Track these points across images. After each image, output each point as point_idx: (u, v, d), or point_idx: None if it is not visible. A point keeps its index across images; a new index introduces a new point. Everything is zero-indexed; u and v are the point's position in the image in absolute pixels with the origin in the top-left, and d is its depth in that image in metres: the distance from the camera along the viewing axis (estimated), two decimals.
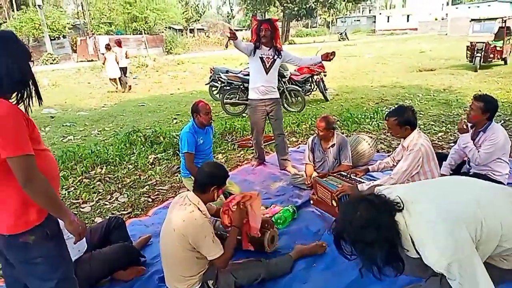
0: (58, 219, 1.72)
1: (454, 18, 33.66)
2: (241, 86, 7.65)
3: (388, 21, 50.48)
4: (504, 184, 2.95)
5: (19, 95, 1.60)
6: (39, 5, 22.50)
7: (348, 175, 3.39)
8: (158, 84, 13.77)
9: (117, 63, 11.56)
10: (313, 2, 34.35)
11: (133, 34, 26.57)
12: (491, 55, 11.96)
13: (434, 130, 5.80)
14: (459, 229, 1.46)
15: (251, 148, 5.34)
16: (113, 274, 2.54)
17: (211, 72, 8.96)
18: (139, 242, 2.98)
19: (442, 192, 1.65)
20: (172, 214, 2.31)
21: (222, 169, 2.45)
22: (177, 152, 5.12)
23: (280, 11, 38.04)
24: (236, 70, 8.64)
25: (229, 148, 5.44)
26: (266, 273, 2.40)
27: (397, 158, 3.19)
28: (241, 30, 52.88)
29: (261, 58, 4.12)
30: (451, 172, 3.38)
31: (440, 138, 5.40)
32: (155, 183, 4.36)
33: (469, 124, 3.21)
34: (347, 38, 34.91)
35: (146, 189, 4.19)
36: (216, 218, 2.89)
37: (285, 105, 7.59)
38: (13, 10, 26.15)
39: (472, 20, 13.54)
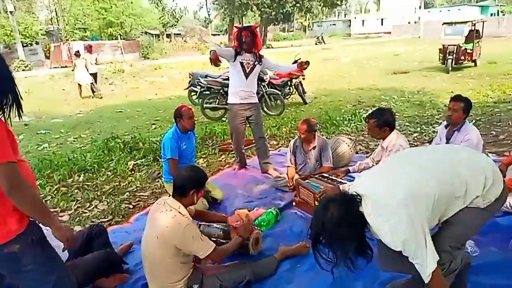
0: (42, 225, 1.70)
1: (426, 22, 34.71)
2: (221, 91, 7.66)
3: (363, 25, 51.58)
4: None
5: None
6: (11, 12, 21.87)
7: (330, 177, 3.44)
8: (135, 89, 13.61)
9: (87, 69, 11.56)
10: (290, 7, 34.66)
11: (109, 40, 26.17)
12: (462, 57, 12.39)
13: (410, 131, 5.96)
14: (407, 211, 1.63)
15: (232, 152, 5.35)
16: (95, 282, 2.49)
17: (190, 77, 8.93)
18: (121, 249, 2.94)
19: (391, 178, 1.80)
20: (153, 221, 2.30)
21: (200, 172, 2.46)
22: (158, 157, 5.09)
23: (258, 16, 38.27)
24: (216, 74, 8.64)
25: (210, 153, 5.44)
26: (251, 275, 2.41)
27: (376, 159, 3.27)
28: (218, 34, 52.96)
29: (241, 63, 4.16)
30: None
31: (415, 138, 5.55)
32: (135, 189, 4.30)
33: (444, 123, 3.32)
34: (324, 42, 35.40)
35: (126, 195, 4.13)
36: (200, 222, 2.89)
37: (265, 108, 7.64)
38: None
39: (444, 23, 13.96)
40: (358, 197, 1.77)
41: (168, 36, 41.08)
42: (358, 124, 6.32)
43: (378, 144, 3.30)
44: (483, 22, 13.89)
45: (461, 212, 1.76)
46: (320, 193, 3.08)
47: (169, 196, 2.45)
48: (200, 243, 2.20)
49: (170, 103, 10.18)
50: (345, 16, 65.16)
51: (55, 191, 4.24)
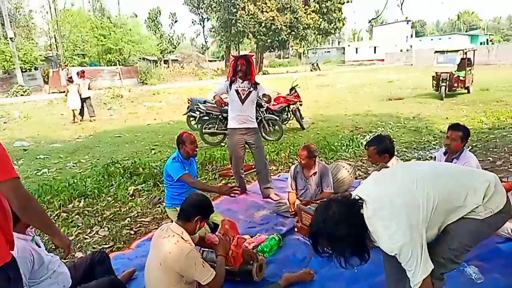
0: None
1: (418, 50, 35.64)
2: (220, 116, 7.75)
3: (356, 53, 52.85)
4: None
5: None
6: (11, 38, 22.20)
7: None
8: (134, 114, 13.69)
9: (80, 94, 11.89)
10: (285, 35, 35.53)
11: (108, 66, 26.50)
12: (455, 85, 12.70)
13: (407, 156, 6.04)
14: (407, 218, 1.68)
15: (232, 178, 5.37)
16: None
17: (188, 103, 9.04)
18: (124, 276, 2.91)
19: (393, 185, 1.84)
20: (156, 247, 2.31)
21: (208, 203, 2.51)
22: (158, 183, 5.09)
23: (254, 43, 39.07)
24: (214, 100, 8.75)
25: (210, 178, 5.46)
26: None
27: None
28: (215, 61, 53.82)
29: (237, 91, 4.33)
30: None
31: None
32: (136, 215, 4.29)
33: (442, 149, 3.39)
34: (319, 68, 36.15)
35: (127, 221, 4.12)
36: (203, 248, 2.89)
37: (263, 134, 7.72)
38: None
39: (436, 51, 14.40)
40: (360, 200, 1.80)
41: (166, 62, 41.73)
42: (356, 150, 6.40)
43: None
44: (474, 50, 14.32)
45: (459, 222, 1.78)
46: None
47: (171, 222, 2.47)
48: (201, 270, 2.20)
49: (169, 128, 10.25)
50: (339, 44, 66.73)
51: (56, 217, 4.21)
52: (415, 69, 27.75)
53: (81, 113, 12.44)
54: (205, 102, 8.47)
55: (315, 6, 35.40)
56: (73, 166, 6.78)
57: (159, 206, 4.44)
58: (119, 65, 25.68)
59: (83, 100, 12.20)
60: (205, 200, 2.48)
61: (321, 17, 36.49)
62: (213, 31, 44.05)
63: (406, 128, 8.23)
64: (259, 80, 4.60)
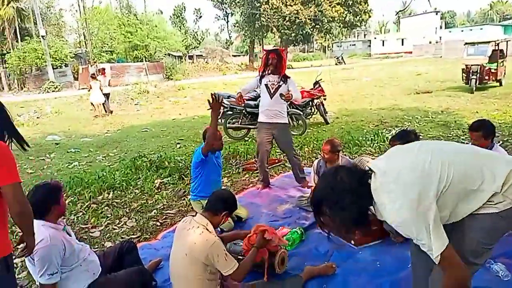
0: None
1: (448, 41, 34.47)
2: (243, 111, 7.81)
3: (383, 45, 51.64)
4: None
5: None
6: (42, 36, 23.05)
7: None
8: (159, 109, 13.96)
9: (101, 90, 12.65)
10: (309, 28, 35.19)
11: (134, 62, 27.08)
12: (486, 77, 12.26)
13: None
14: (412, 193, 1.58)
15: (256, 172, 5.43)
16: None
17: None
18: (150, 266, 3.01)
19: (406, 159, 1.74)
20: (181, 239, 2.37)
21: (235, 200, 2.61)
22: (183, 176, 5.21)
23: (278, 37, 38.92)
24: None
25: (234, 172, 5.52)
26: None
27: None
28: (239, 55, 53.97)
29: (266, 85, 4.39)
30: None
31: None
32: (162, 207, 4.41)
33: None
34: (344, 62, 35.61)
35: (154, 213, 4.24)
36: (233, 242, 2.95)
37: None
38: (17, 41, 26.69)
39: (467, 43, 13.95)
40: (370, 171, 1.75)
41: (191, 57, 42.23)
42: (381, 144, 6.31)
43: None
44: (507, 41, 13.75)
45: (472, 220, 1.66)
46: None
47: (195, 215, 2.54)
48: (224, 261, 2.25)
49: (194, 123, 10.41)
50: (364, 37, 65.44)
51: (86, 208, 4.39)
52: (445, 62, 26.88)
53: (104, 107, 13.16)
54: (229, 97, 8.53)
55: None
56: (103, 159, 7.01)
57: (184, 199, 4.54)
58: (145, 61, 26.18)
59: (106, 96, 12.92)
60: (233, 197, 2.58)
61: (347, 9, 35.89)
62: (237, 26, 44.14)
63: (434, 123, 8.02)
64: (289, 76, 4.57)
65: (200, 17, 54.83)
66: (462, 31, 47.78)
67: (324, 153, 3.81)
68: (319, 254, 3.04)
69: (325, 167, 3.92)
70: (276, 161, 5.79)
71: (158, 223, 3.99)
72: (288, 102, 4.54)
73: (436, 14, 51.13)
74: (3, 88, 26.89)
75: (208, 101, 3.53)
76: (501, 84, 12.81)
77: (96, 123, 11.67)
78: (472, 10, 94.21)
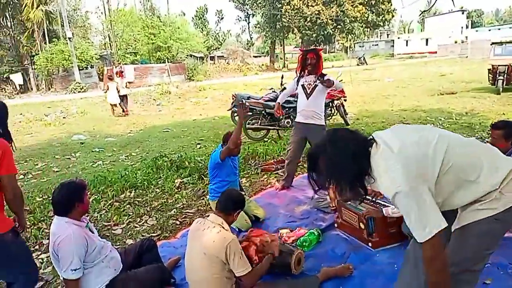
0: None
1: (474, 41, 33.52)
2: (263, 112, 7.84)
3: (407, 45, 50.64)
4: None
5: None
6: (69, 38, 23.77)
7: (373, 199, 3.44)
8: (181, 110, 14.16)
9: (119, 91, 12.99)
10: (331, 29, 34.92)
11: (157, 63, 27.56)
12: None
13: None
14: (410, 166, 1.57)
15: (274, 172, 5.46)
16: None
17: (233, 98, 9.21)
18: (169, 264, 3.08)
19: (411, 134, 1.73)
20: (197, 240, 2.41)
21: (244, 199, 2.71)
22: (203, 176, 5.29)
23: (299, 38, 38.79)
24: (258, 96, 8.86)
25: (253, 172, 5.56)
26: None
27: None
28: (260, 56, 54.05)
29: (303, 86, 4.39)
30: None
31: None
32: (182, 206, 4.49)
33: None
34: (366, 62, 35.15)
35: (173, 212, 4.33)
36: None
37: None
38: (45, 43, 27.60)
39: (493, 43, 13.50)
40: (372, 140, 1.74)
41: (212, 58, 42.60)
42: None
43: None
44: None
45: (469, 227, 1.64)
46: (363, 215, 3.09)
47: (208, 215, 2.61)
48: (239, 261, 2.29)
49: (214, 123, 10.52)
50: (387, 37, 64.36)
51: (109, 206, 4.53)
52: (471, 62, 26.17)
53: (122, 108, 13.53)
54: (249, 98, 8.58)
55: None
56: (125, 159, 7.18)
57: (203, 199, 4.61)
58: (168, 62, 26.59)
59: (122, 97, 13.25)
60: (242, 196, 2.67)
61: (369, 9, 35.46)
62: (258, 27, 44.28)
63: (458, 124, 7.84)
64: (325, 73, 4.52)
65: (222, 18, 55.35)
66: (489, 30, 46.32)
67: None
68: (336, 256, 3.04)
69: None
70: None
71: (178, 222, 4.07)
72: (328, 89, 4.45)
73: (462, 13, 49.77)
74: (31, 89, 27.86)
75: (238, 108, 3.56)
76: None
77: (120, 123, 11.94)
78: (501, 8, 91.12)
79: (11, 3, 28.22)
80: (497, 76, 11.77)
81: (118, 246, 3.48)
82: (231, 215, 2.52)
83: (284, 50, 45.26)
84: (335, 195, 3.27)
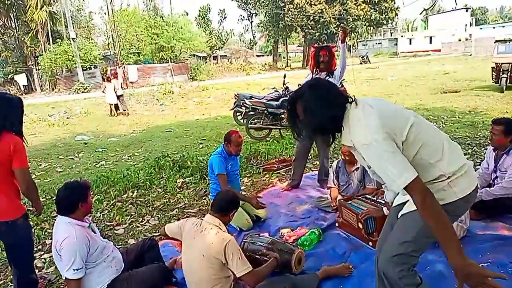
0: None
1: (478, 39, 33.35)
2: (265, 111, 7.85)
3: (410, 43, 50.44)
4: None
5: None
6: (73, 38, 23.88)
7: (373, 198, 3.44)
8: (183, 110, 14.20)
9: (116, 91, 13.38)
10: (333, 27, 34.84)
11: (160, 63, 27.63)
12: None
13: None
14: (385, 122, 1.64)
15: (276, 172, 5.47)
16: None
17: (235, 98, 9.24)
18: (171, 263, 3.09)
19: (385, 104, 1.82)
20: (194, 242, 2.40)
21: (238, 198, 2.73)
22: (205, 176, 5.30)
23: (302, 36, 38.74)
24: (260, 95, 8.88)
25: (255, 172, 5.57)
26: (291, 286, 2.47)
27: None
28: (263, 55, 54.03)
29: None
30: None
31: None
32: (184, 206, 4.51)
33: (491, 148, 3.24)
34: (369, 61, 35.07)
35: (175, 212, 4.35)
36: (244, 240, 3.01)
37: None
38: (49, 44, 27.75)
39: (497, 41, 13.41)
40: (351, 97, 1.80)
41: (215, 58, 42.65)
42: None
43: None
44: None
45: (411, 213, 1.73)
46: (363, 215, 3.10)
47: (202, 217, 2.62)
48: (238, 261, 2.29)
49: (216, 123, 10.55)
50: (391, 35, 64.09)
51: (112, 206, 4.55)
52: (474, 60, 26.05)
53: (118, 107, 13.90)
54: (251, 97, 8.61)
55: None
56: (128, 159, 7.22)
57: (204, 198, 4.63)
58: (171, 62, 26.66)
59: (118, 97, 13.60)
60: (236, 196, 2.69)
61: (372, 7, 35.36)
62: (261, 26, 44.24)
63: (461, 123, 7.81)
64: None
65: (225, 18, 55.25)
66: (493, 28, 46.00)
67: (344, 154, 3.81)
68: (336, 255, 3.05)
69: (345, 168, 3.92)
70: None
71: None
72: None
73: (466, 10, 49.53)
74: (35, 89, 28.02)
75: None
76: None
77: (123, 123, 11.99)
78: (505, 5, 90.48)
79: (16, 4, 28.39)
80: (501, 74, 11.70)
81: (120, 246, 3.51)
82: (227, 216, 2.53)
83: (287, 49, 45.23)
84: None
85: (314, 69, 4.43)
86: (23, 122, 2.63)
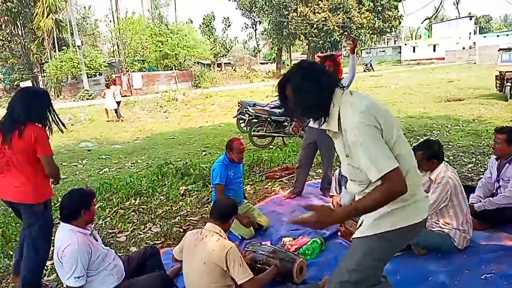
0: None
1: (482, 47, 33.35)
2: (268, 119, 7.86)
3: (414, 51, 50.45)
4: None
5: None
6: (78, 46, 24.14)
7: None
8: (187, 117, 14.25)
9: (115, 98, 13.79)
10: (337, 35, 34.98)
11: (164, 70, 27.80)
12: None
13: (464, 161, 5.74)
14: (374, 111, 1.65)
15: (279, 180, 5.46)
16: None
17: (238, 105, 9.27)
18: (172, 271, 3.09)
19: (376, 101, 1.79)
20: (195, 250, 2.41)
21: (237, 205, 2.80)
22: (207, 183, 5.30)
23: (305, 44, 38.91)
24: (263, 103, 8.91)
25: (257, 180, 5.56)
26: None
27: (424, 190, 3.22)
28: (267, 63, 54.23)
29: None
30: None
31: (470, 169, 5.33)
32: (186, 213, 4.51)
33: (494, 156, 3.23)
34: (373, 69, 35.14)
35: (177, 219, 4.34)
36: (246, 248, 3.01)
37: None
38: (55, 51, 28.03)
39: (501, 49, 13.41)
40: (342, 84, 1.81)
41: (219, 65, 42.87)
42: None
43: (426, 174, 3.25)
44: None
45: (361, 239, 1.76)
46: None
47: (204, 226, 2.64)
48: (239, 268, 2.29)
49: (220, 130, 10.57)
50: (394, 43, 64.22)
51: (114, 213, 4.55)
52: (478, 68, 26.01)
53: (117, 114, 14.25)
54: (254, 105, 8.63)
55: (369, 5, 34.51)
56: (131, 166, 7.24)
57: (207, 206, 4.63)
58: (175, 69, 26.83)
59: (118, 103, 14.02)
60: (235, 203, 2.77)
61: (376, 15, 35.50)
62: (265, 34, 44.52)
63: (465, 132, 7.78)
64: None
65: (229, 25, 55.66)
66: (498, 36, 46.02)
67: None
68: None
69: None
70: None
71: (182, 230, 4.08)
72: None
73: (470, 19, 49.57)
74: None
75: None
76: None
77: (127, 130, 12.05)
78: (509, 14, 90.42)
79: (22, 12, 28.76)
80: (505, 82, 11.68)
81: (122, 254, 3.50)
82: (227, 223, 2.57)
83: (290, 56, 45.40)
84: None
85: None
86: (54, 112, 2.85)
